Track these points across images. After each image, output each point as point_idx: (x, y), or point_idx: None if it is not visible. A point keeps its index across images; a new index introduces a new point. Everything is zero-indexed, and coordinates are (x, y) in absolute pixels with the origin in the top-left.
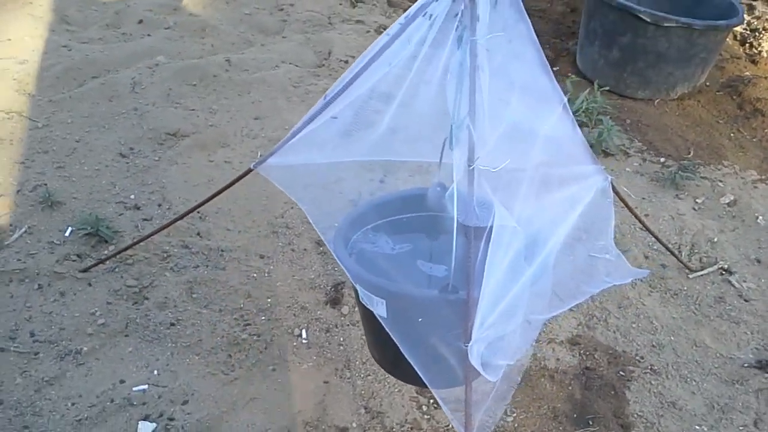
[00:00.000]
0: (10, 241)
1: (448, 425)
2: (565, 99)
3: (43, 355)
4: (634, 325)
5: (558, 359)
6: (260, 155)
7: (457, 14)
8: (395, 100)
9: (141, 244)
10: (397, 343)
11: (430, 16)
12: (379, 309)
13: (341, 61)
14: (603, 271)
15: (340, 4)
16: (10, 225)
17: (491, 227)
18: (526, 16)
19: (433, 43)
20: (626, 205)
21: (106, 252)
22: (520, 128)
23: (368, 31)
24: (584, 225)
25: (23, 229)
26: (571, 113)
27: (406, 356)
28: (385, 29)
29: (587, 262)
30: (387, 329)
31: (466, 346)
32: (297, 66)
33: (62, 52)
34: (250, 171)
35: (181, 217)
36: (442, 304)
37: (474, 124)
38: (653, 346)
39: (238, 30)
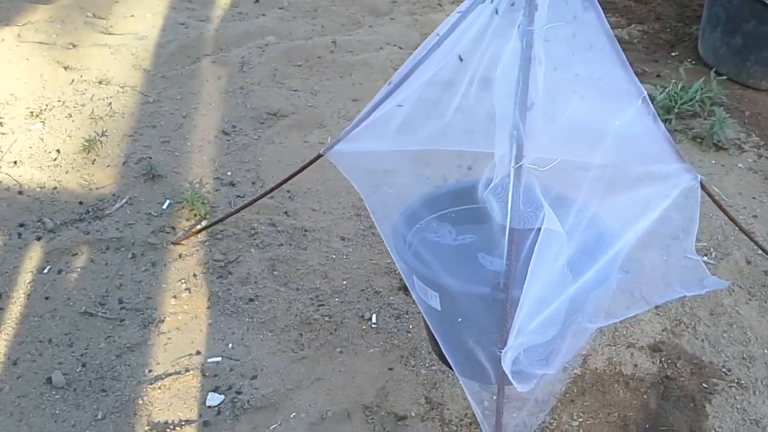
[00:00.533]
0: (111, 210)
1: (506, 423)
2: (645, 93)
3: (128, 322)
4: (725, 335)
5: (636, 365)
6: (329, 140)
7: (513, 2)
8: (458, 90)
9: (232, 220)
10: (437, 337)
11: (492, 1)
12: (433, 302)
13: None
14: (676, 280)
15: None
16: (113, 195)
17: (538, 230)
18: (597, 3)
19: (496, 32)
20: (719, 205)
21: (198, 226)
22: (584, 125)
23: None
24: (681, 223)
25: (125, 200)
26: (652, 108)
27: (444, 351)
28: (497, 12)
29: (666, 267)
30: (432, 323)
31: (501, 351)
32: (401, 48)
33: (179, 29)
34: (319, 156)
35: (261, 197)
36: (489, 302)
37: (524, 120)
38: (743, 358)
39: (349, 11)
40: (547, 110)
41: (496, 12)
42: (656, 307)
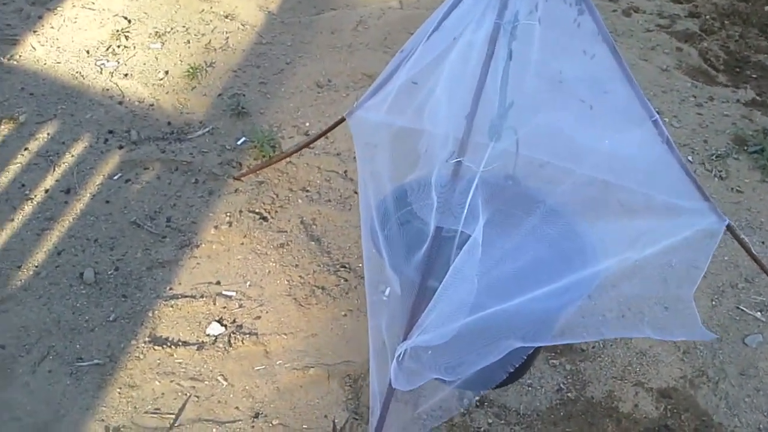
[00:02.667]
0: (193, 136)
1: (480, 427)
2: (656, 116)
3: (168, 240)
4: (747, 399)
5: (636, 405)
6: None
7: None
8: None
9: (292, 169)
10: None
11: None
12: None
13: None
14: (655, 321)
15: None
16: (200, 122)
17: (460, 234)
18: (596, 10)
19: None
20: (751, 254)
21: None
22: (559, 135)
23: None
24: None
25: (207, 129)
26: (665, 132)
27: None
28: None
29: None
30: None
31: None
32: None
33: None
34: (342, 120)
35: (295, 151)
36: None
37: (472, 117)
38: (759, 429)
39: None
40: (523, 112)
41: None
42: (684, 352)
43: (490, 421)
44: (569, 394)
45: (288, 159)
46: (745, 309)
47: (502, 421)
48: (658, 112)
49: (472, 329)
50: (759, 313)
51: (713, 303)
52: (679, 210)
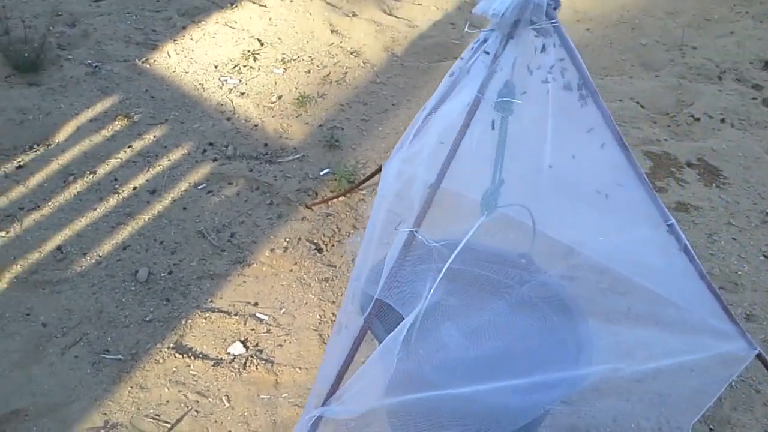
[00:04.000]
0: (283, 160)
1: None
2: (672, 219)
3: (225, 254)
4: None
5: None
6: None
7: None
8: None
9: (362, 209)
10: None
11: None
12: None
13: (694, 118)
14: None
15: None
16: (294, 148)
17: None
18: (600, 98)
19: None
20: None
21: (328, 195)
22: (573, 218)
23: None
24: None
25: (298, 156)
26: (684, 241)
27: None
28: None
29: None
30: None
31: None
32: (642, 107)
33: (446, 29)
34: (379, 169)
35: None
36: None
37: (435, 188)
38: None
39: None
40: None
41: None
42: None
43: None
44: None
45: (362, 197)
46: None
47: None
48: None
49: (411, 408)
50: None
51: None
52: (698, 327)
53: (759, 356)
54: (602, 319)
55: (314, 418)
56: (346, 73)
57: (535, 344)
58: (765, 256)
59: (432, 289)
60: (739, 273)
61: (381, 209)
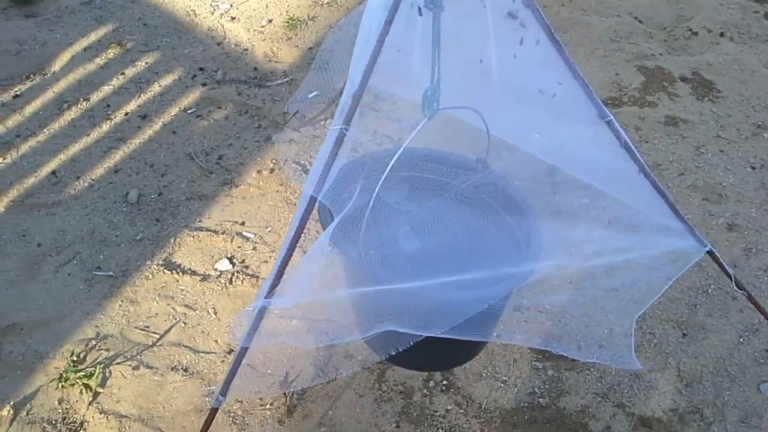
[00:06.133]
0: (272, 84)
1: (437, 411)
2: (611, 116)
3: (213, 176)
4: None
5: (608, 427)
6: None
7: None
8: None
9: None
10: None
11: None
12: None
13: (692, 32)
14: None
15: None
16: (283, 72)
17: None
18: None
19: None
20: (729, 275)
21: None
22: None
23: None
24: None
25: (287, 79)
26: (624, 137)
27: None
28: None
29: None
30: None
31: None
32: (639, 22)
33: None
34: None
35: None
36: None
37: (354, 84)
38: None
39: None
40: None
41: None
42: (686, 385)
43: (449, 407)
44: (541, 400)
45: None
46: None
47: (461, 410)
48: (760, 126)
49: (354, 302)
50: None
51: (741, 340)
52: (645, 225)
53: (710, 254)
54: (549, 216)
55: (255, 309)
56: None
57: (480, 240)
58: (752, 168)
59: (376, 191)
60: (724, 184)
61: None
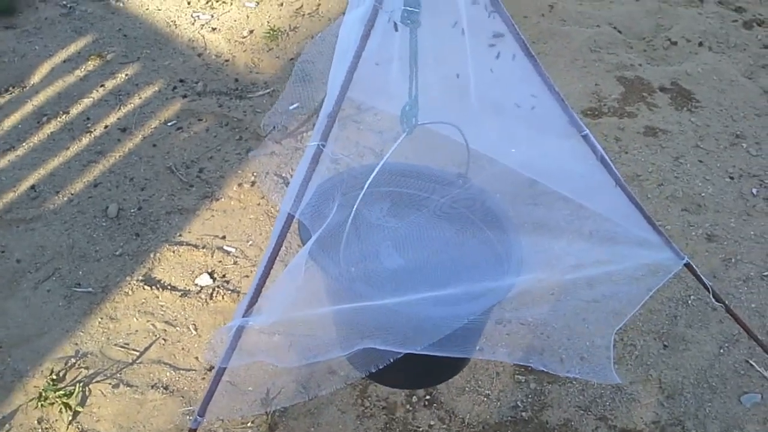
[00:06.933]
0: (253, 95)
1: (419, 427)
2: (586, 130)
3: (194, 189)
4: None
5: None
6: None
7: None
8: None
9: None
10: None
11: None
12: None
13: (671, 42)
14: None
15: None
16: (264, 83)
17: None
18: (503, 7)
19: None
20: (707, 287)
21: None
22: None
23: None
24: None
25: (267, 91)
26: (600, 151)
27: None
28: None
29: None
30: None
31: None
32: (619, 32)
33: None
34: None
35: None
36: None
37: (331, 100)
38: None
39: None
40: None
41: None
42: (667, 397)
43: (432, 422)
44: (524, 414)
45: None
46: (754, 364)
47: (444, 426)
48: (738, 136)
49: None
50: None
51: (721, 351)
52: (623, 237)
53: (688, 266)
54: (529, 229)
55: (233, 329)
56: (319, 5)
57: (461, 255)
58: (731, 177)
59: (355, 207)
60: (703, 195)
61: None
